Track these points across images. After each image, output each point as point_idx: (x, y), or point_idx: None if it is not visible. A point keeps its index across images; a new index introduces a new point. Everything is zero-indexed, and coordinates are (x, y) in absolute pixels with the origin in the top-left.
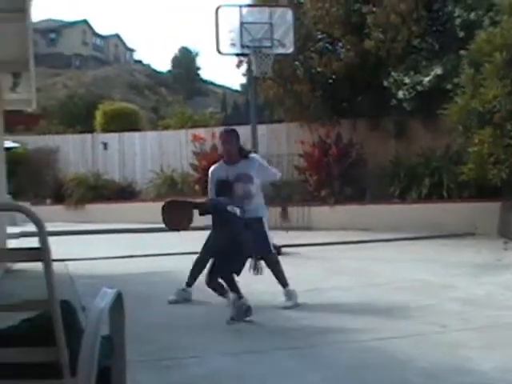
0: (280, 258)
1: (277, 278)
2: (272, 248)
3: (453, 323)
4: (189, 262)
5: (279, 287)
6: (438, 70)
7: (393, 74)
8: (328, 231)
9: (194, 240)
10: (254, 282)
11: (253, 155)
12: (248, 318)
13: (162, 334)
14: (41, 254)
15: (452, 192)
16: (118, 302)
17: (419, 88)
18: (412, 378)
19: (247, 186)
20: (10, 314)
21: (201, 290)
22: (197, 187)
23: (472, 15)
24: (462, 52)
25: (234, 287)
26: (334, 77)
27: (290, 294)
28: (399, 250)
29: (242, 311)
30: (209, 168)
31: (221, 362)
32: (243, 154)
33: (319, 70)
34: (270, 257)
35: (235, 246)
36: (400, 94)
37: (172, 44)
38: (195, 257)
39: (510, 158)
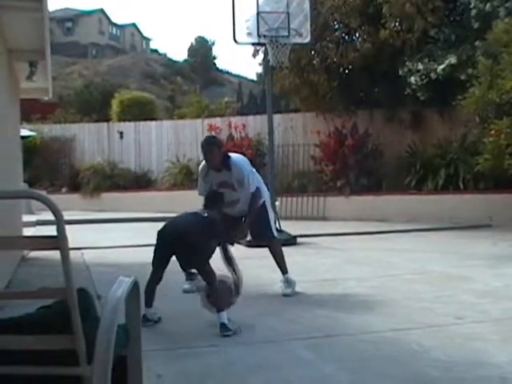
0: (295, 247)
1: (278, 263)
2: (274, 233)
3: (469, 315)
4: None
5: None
6: (453, 60)
7: (408, 63)
8: (343, 221)
9: None
10: (271, 272)
11: (235, 165)
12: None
13: (176, 323)
14: (58, 242)
15: (468, 183)
16: (135, 290)
17: (433, 75)
18: (427, 370)
19: (231, 194)
20: (27, 301)
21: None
22: None
23: (488, 6)
24: (477, 43)
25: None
26: (350, 67)
27: (289, 281)
28: (415, 240)
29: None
30: None
31: (237, 351)
32: (225, 164)
33: (336, 60)
34: (272, 242)
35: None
36: (412, 79)
37: (188, 33)
38: None
39: None
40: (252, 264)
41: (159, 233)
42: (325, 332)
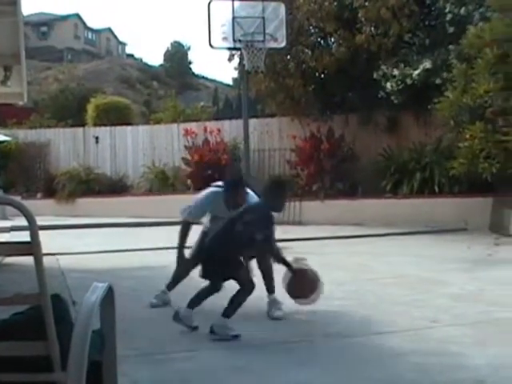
0: None
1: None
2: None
3: (444, 318)
4: None
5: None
6: (427, 64)
7: (382, 67)
8: (319, 226)
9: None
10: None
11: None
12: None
13: (152, 328)
14: (31, 247)
15: (443, 187)
16: (109, 296)
17: (408, 81)
18: (404, 374)
19: None
20: (1, 308)
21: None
22: (189, 182)
23: (462, 11)
24: (450, 47)
25: None
26: (325, 71)
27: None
28: (391, 244)
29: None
30: (201, 162)
31: (214, 356)
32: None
33: (311, 64)
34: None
35: None
36: (388, 85)
37: (164, 38)
38: (186, 251)
39: (501, 153)
40: None
41: None
42: (304, 336)
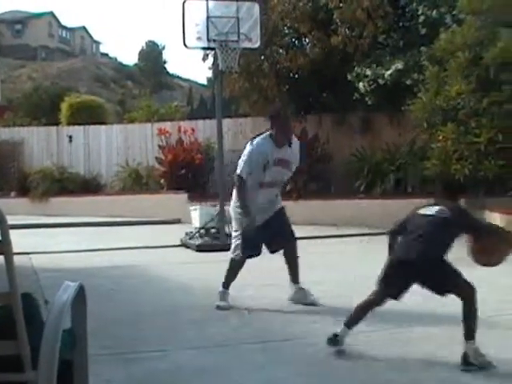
0: None
1: (292, 270)
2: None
3: (418, 318)
4: (153, 256)
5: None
6: (399, 65)
7: (356, 68)
8: (293, 226)
9: (161, 234)
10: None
11: (295, 141)
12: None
13: (125, 327)
14: (2, 247)
15: (416, 188)
16: (80, 295)
17: (380, 81)
18: (383, 372)
19: (283, 173)
20: None
21: (164, 286)
22: (162, 181)
23: (435, 13)
24: (422, 48)
25: None
26: (300, 72)
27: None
28: (364, 245)
29: None
30: (174, 161)
31: (185, 355)
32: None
33: (285, 65)
34: (294, 243)
35: None
36: (361, 85)
37: (139, 37)
38: (159, 250)
39: (474, 155)
40: (203, 268)
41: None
42: (275, 336)
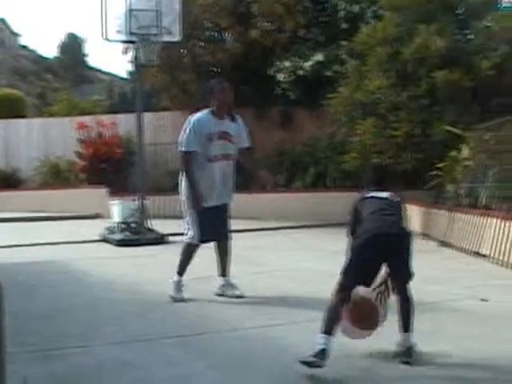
0: (166, 246)
1: (224, 263)
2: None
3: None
4: (74, 251)
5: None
6: (320, 57)
7: (277, 63)
8: None
9: (81, 229)
10: (139, 271)
11: (238, 117)
12: None
13: (45, 323)
14: None
15: (336, 181)
16: None
17: (300, 72)
18: (295, 365)
19: (227, 146)
20: None
21: (85, 281)
22: (82, 175)
23: (355, 8)
24: (343, 42)
25: None
26: (220, 66)
27: (232, 284)
28: (285, 238)
29: None
30: (94, 155)
31: (107, 350)
32: (231, 113)
33: (206, 59)
34: (229, 240)
35: None
36: (280, 77)
37: (59, 30)
38: (80, 245)
39: (392, 148)
40: (123, 263)
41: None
42: (194, 330)
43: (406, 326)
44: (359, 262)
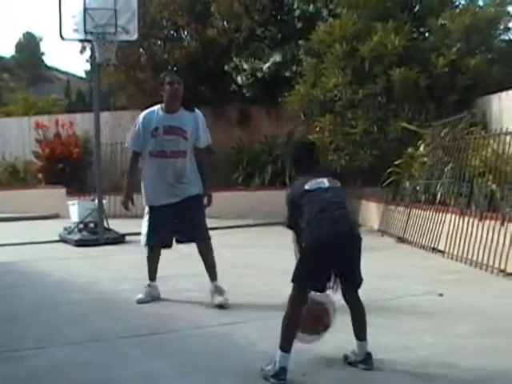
0: (124, 246)
1: (208, 268)
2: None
3: None
4: (31, 252)
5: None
6: (277, 58)
7: (235, 59)
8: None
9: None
10: (98, 271)
11: (197, 110)
12: None
13: (3, 325)
14: None
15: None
16: None
17: (259, 74)
18: (255, 362)
19: (179, 143)
20: None
21: (42, 282)
22: (40, 175)
23: (311, 7)
24: (300, 42)
25: None
26: (177, 65)
27: (220, 289)
28: (244, 236)
29: None
30: (52, 155)
31: (64, 351)
32: (186, 105)
33: (163, 57)
34: (207, 242)
35: None
36: (239, 79)
37: (16, 28)
38: (37, 246)
39: (350, 146)
40: (81, 263)
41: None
42: (153, 329)
43: (363, 333)
44: (315, 267)
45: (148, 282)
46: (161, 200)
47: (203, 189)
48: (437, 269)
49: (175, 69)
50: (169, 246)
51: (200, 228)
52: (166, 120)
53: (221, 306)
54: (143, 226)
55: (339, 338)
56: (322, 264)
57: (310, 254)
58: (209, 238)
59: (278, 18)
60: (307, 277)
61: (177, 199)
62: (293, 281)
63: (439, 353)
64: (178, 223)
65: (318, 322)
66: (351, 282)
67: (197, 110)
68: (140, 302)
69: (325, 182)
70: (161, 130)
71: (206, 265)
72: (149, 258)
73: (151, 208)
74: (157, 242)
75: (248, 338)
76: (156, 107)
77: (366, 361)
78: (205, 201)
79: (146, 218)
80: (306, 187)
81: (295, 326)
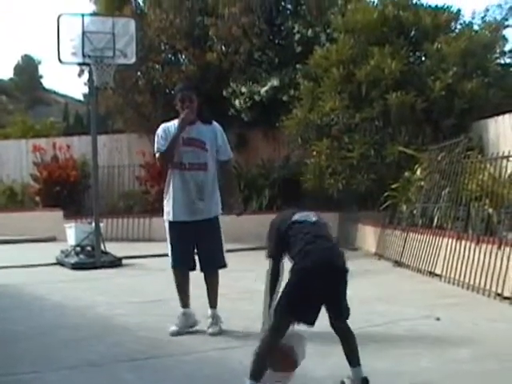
0: (121, 269)
1: (212, 294)
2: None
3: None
4: (28, 275)
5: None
6: (275, 82)
7: (232, 84)
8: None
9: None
10: (96, 294)
11: (215, 122)
12: None
13: None
14: None
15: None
16: None
17: (256, 98)
18: None
19: (198, 154)
20: None
21: (38, 305)
22: (37, 198)
23: (310, 32)
24: (298, 66)
25: None
26: (175, 89)
27: (217, 317)
28: (240, 260)
29: None
30: (49, 178)
31: (59, 376)
32: (203, 116)
33: (161, 81)
34: (217, 270)
35: None
36: (237, 103)
37: (14, 51)
38: (34, 269)
39: (347, 170)
40: (78, 287)
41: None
42: (148, 354)
43: (356, 359)
44: (299, 297)
45: (182, 309)
46: (181, 216)
47: (233, 200)
48: (433, 293)
49: (173, 92)
50: (193, 268)
51: (217, 255)
52: (184, 132)
53: (213, 335)
54: (168, 247)
55: (331, 362)
56: (307, 295)
57: (294, 284)
58: (224, 266)
59: (276, 42)
60: (290, 307)
61: (197, 217)
62: (275, 310)
63: (435, 378)
64: (188, 248)
65: (287, 360)
66: (338, 313)
67: (215, 123)
68: (173, 334)
69: (311, 217)
70: (180, 141)
71: (209, 290)
72: (176, 282)
73: (171, 224)
74: (179, 265)
75: (243, 363)
76: (172, 122)
77: None
78: (236, 210)
79: (168, 238)
80: (294, 218)
81: (265, 360)
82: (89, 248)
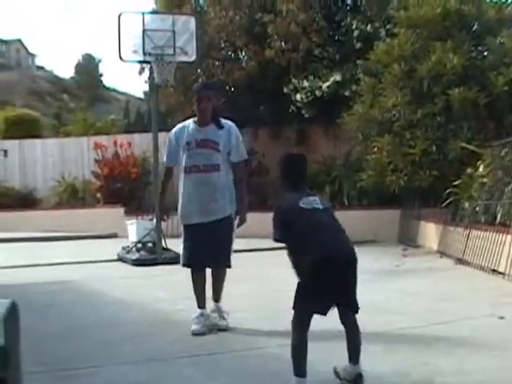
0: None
1: (217, 289)
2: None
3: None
4: (90, 271)
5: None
6: (337, 77)
7: (293, 81)
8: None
9: (97, 249)
10: (158, 290)
11: (227, 123)
12: None
13: (59, 343)
14: None
15: (352, 199)
16: (13, 312)
17: (318, 93)
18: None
19: (211, 156)
20: None
21: (100, 301)
22: (98, 195)
23: (369, 27)
24: (358, 61)
25: None
26: (236, 85)
27: (222, 311)
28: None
29: None
30: (110, 175)
31: (121, 370)
32: (216, 119)
33: (221, 78)
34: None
35: None
36: (298, 97)
37: (75, 50)
38: (96, 265)
39: (408, 166)
40: (139, 283)
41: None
42: (210, 349)
43: (356, 357)
44: (313, 291)
45: (198, 310)
46: (193, 218)
47: (236, 207)
48: (497, 291)
49: (233, 89)
50: (205, 268)
51: (219, 253)
52: (198, 134)
53: (224, 330)
54: (181, 246)
55: (394, 359)
56: (321, 287)
57: (308, 279)
58: (229, 266)
59: (336, 38)
60: (306, 301)
61: (210, 218)
62: (293, 308)
63: (499, 377)
64: (210, 243)
65: None
66: (349, 305)
67: (229, 123)
68: (195, 333)
69: (318, 202)
70: (193, 143)
71: (215, 286)
72: (193, 282)
73: (185, 227)
74: (190, 264)
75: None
76: (188, 121)
77: (356, 380)
78: (236, 221)
79: (182, 238)
80: (302, 205)
81: (302, 350)
82: (150, 244)
